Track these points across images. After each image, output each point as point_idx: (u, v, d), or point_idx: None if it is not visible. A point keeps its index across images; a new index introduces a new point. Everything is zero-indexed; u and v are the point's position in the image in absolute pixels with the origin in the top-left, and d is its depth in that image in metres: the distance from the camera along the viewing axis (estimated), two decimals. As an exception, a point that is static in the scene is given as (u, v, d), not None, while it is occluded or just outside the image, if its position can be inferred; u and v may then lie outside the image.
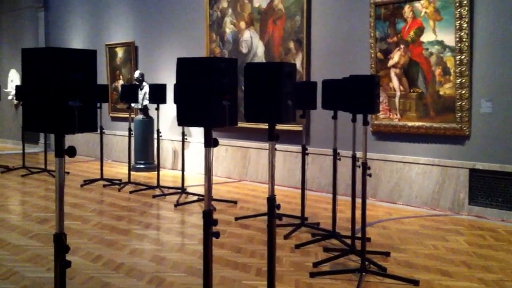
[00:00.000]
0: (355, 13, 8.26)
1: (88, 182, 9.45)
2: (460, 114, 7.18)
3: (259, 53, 9.55)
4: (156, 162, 9.69)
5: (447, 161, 7.38)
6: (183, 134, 8.36)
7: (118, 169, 11.12)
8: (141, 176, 10.19)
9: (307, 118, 8.63)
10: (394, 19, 7.75)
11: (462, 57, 7.09)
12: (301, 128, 7.44)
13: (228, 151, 10.08)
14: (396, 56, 7.76)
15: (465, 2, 7.02)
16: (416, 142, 7.70)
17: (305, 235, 6.12)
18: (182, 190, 8.32)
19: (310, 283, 4.61)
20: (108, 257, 5.28)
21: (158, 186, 8.79)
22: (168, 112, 10.69)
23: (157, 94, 8.67)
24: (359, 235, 5.11)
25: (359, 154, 5.11)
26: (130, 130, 9.40)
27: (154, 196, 8.33)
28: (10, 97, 15.25)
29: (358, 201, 4.98)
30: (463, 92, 7.12)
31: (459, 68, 7.12)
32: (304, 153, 6.41)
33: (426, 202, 7.57)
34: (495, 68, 6.95)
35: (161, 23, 11.39)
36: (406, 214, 7.27)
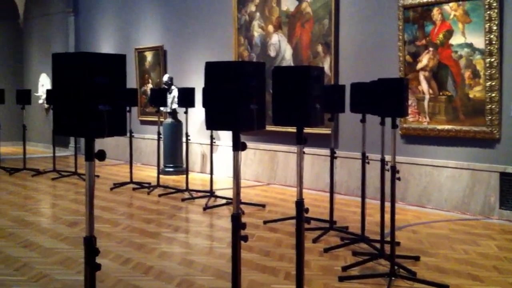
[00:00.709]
0: (384, 16, 8.20)
1: (118, 185, 9.55)
2: (490, 117, 7.06)
3: (287, 57, 9.54)
4: (184, 166, 9.75)
5: (477, 164, 7.27)
6: (212, 137, 8.39)
7: (147, 173, 11.21)
8: (170, 180, 10.26)
9: (336, 121, 8.59)
10: (422, 21, 7.67)
11: (492, 59, 6.98)
12: (329, 132, 7.41)
13: (256, 154, 10.09)
14: (425, 59, 7.68)
15: (494, 4, 6.91)
16: (445, 146, 7.60)
17: (333, 239, 6.08)
18: (211, 193, 8.35)
19: (339, 287, 4.58)
20: (137, 260, 5.32)
21: (187, 189, 8.83)
22: (196, 115, 10.75)
23: (186, 97, 8.73)
24: (388, 239, 5.06)
25: (388, 157, 5.07)
26: (159, 133, 9.48)
27: (183, 200, 8.37)
28: (41, 101, 15.50)
29: (387, 205, 4.93)
30: (493, 95, 7.01)
31: (489, 71, 7.01)
32: (332, 157, 6.38)
33: (456, 206, 7.47)
34: (527, 70, 6.83)
35: (189, 27, 11.47)
36: (435, 218, 7.18)
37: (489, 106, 7.05)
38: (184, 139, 9.48)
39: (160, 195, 8.74)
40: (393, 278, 4.62)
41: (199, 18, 11.24)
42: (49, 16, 15.97)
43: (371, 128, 6.28)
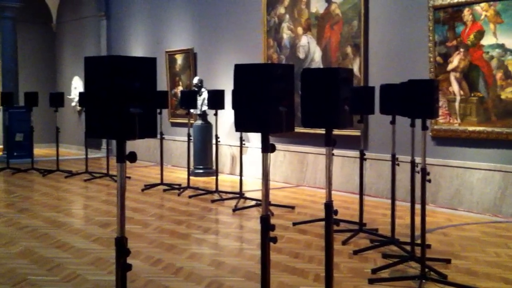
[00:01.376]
0: (414, 17, 8.13)
1: (149, 186, 9.65)
2: (523, 118, 6.95)
3: (316, 59, 9.53)
4: (214, 167, 9.80)
5: (509, 166, 7.16)
6: (241, 139, 8.43)
7: (178, 174, 11.31)
8: (200, 181, 10.33)
9: (365, 123, 8.54)
10: (453, 22, 7.59)
11: (525, 60, 6.87)
12: (359, 133, 7.38)
13: (285, 156, 10.09)
14: (455, 60, 7.59)
15: (528, 3, 6.81)
16: (477, 147, 7.50)
17: (363, 241, 6.05)
18: (240, 195, 8.38)
19: (368, 290, 4.57)
20: (167, 261, 5.38)
21: (217, 191, 8.88)
22: (226, 117, 10.80)
23: (216, 99, 8.78)
24: (418, 241, 5.01)
25: (418, 159, 5.03)
26: (189, 135, 9.55)
27: (213, 201, 8.43)
28: (73, 104, 15.76)
29: (418, 207, 4.89)
30: (527, 95, 6.90)
31: (523, 71, 6.90)
32: (362, 159, 6.35)
33: (487, 209, 7.36)
34: (562, 70, 6.69)
35: (219, 30, 11.54)
36: (467, 221, 7.09)
37: (522, 107, 6.94)
38: (213, 141, 9.54)
39: (190, 197, 8.80)
40: (423, 281, 4.58)
41: (229, 20, 11.30)
42: (82, 20, 16.24)
43: (401, 129, 6.23)
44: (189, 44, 12.29)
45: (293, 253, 5.65)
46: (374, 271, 4.96)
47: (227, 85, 10.25)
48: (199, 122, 11.21)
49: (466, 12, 7.43)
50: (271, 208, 7.54)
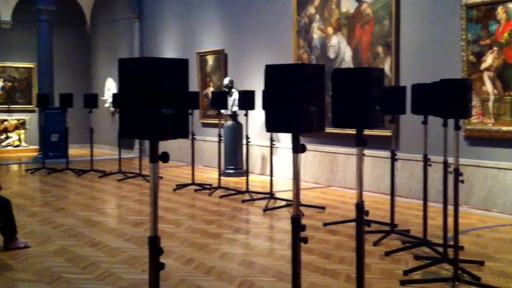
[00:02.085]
0: (446, 16, 8.04)
1: (180, 186, 9.74)
2: (560, 117, 6.82)
3: (347, 58, 9.49)
4: (245, 168, 9.84)
5: (547, 167, 7.02)
6: (271, 139, 8.44)
7: (209, 174, 11.38)
8: (230, 181, 10.37)
9: (396, 123, 8.47)
10: (486, 21, 7.48)
11: (562, 57, 6.73)
12: (390, 134, 7.33)
13: (316, 156, 10.08)
14: (489, 59, 7.48)
15: None
16: (511, 148, 7.37)
17: (394, 242, 6.01)
18: (271, 195, 8.39)
19: (400, 291, 4.54)
20: (199, 260, 5.42)
21: (247, 191, 8.91)
22: (256, 118, 10.83)
23: (246, 100, 8.82)
24: (451, 243, 4.96)
25: (450, 159, 4.97)
26: (220, 136, 9.61)
27: (243, 201, 8.46)
28: (107, 105, 15.97)
29: (450, 208, 4.84)
30: None
31: (559, 70, 6.77)
32: (393, 159, 6.31)
33: (524, 210, 7.23)
34: None
35: (249, 31, 11.58)
36: (501, 222, 6.98)
37: (559, 106, 6.81)
38: (244, 141, 9.58)
39: (221, 197, 8.86)
40: (456, 283, 4.54)
41: (259, 21, 11.33)
42: (115, 22, 16.46)
43: (433, 130, 6.17)
44: (220, 45, 12.37)
45: (324, 253, 5.64)
46: (406, 272, 4.93)
47: (257, 86, 10.28)
48: (229, 122, 11.26)
49: (500, 10, 7.32)
50: (302, 208, 7.54)
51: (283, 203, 8.10)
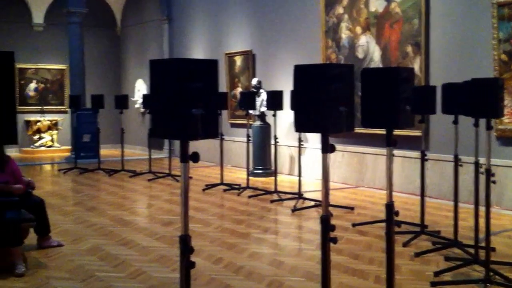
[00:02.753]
0: (476, 14, 7.94)
1: (209, 186, 9.80)
2: None
3: (376, 58, 9.44)
4: (273, 168, 9.86)
5: None
6: (300, 140, 8.44)
7: (237, 174, 11.42)
8: (258, 181, 10.40)
9: (426, 123, 8.39)
10: (519, 18, 7.36)
11: None
12: (420, 134, 7.27)
13: (344, 156, 10.04)
14: (522, 57, 7.36)
15: None
16: (545, 148, 7.25)
17: (425, 243, 5.96)
18: (299, 195, 8.39)
19: (430, 292, 4.50)
20: (228, 260, 5.46)
21: (276, 191, 8.93)
22: (284, 118, 10.83)
23: (274, 100, 8.84)
24: (483, 244, 4.90)
25: (482, 160, 4.92)
26: (248, 136, 9.64)
27: (272, 201, 8.48)
28: (137, 106, 16.14)
29: (482, 209, 4.79)
30: None
31: None
32: (423, 159, 6.26)
33: (558, 211, 7.10)
34: None
35: (277, 31, 11.59)
36: (535, 224, 6.87)
37: None
38: (272, 142, 9.59)
39: (249, 197, 8.89)
40: (488, 284, 4.48)
41: (287, 22, 11.33)
42: (145, 24, 16.64)
43: (464, 129, 6.10)
44: (248, 45, 12.41)
45: (353, 254, 5.62)
46: (436, 274, 4.88)
47: (285, 86, 10.27)
48: (258, 123, 11.29)
49: (533, 8, 7.20)
50: (330, 208, 7.51)
51: (312, 203, 8.09)
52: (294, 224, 7.17)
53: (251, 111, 10.11)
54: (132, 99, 15.95)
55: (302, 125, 3.27)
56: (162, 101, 2.94)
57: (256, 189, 9.45)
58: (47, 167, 13.93)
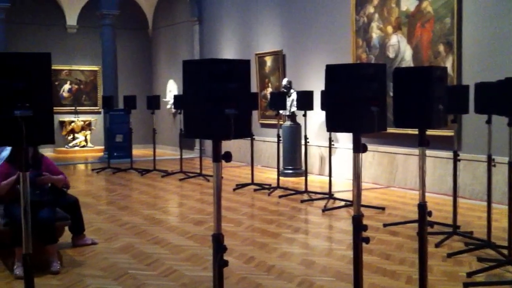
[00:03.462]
0: (510, 12, 7.81)
1: (240, 186, 9.85)
2: None
3: (407, 58, 9.36)
4: (303, 168, 9.86)
5: None
6: (330, 140, 8.42)
7: (268, 174, 11.45)
8: (289, 181, 10.41)
9: (459, 123, 8.30)
10: (556, 15, 7.23)
11: None
12: (452, 133, 7.19)
13: (374, 157, 9.98)
14: (558, 55, 7.22)
15: None
16: None
17: (457, 244, 5.91)
18: (330, 195, 8.38)
19: (463, 293, 4.47)
20: (259, 259, 5.49)
21: (306, 191, 8.93)
22: (315, 118, 10.82)
23: (305, 100, 8.85)
24: (517, 245, 4.85)
25: (516, 160, 4.85)
26: (278, 136, 9.66)
27: (302, 201, 8.48)
28: (168, 106, 16.29)
29: (516, 209, 4.73)
30: None
31: None
32: (455, 159, 6.20)
33: None
34: None
35: (307, 31, 11.59)
36: None
37: None
38: (303, 142, 9.59)
39: (280, 197, 8.90)
40: (522, 285, 4.43)
41: (317, 22, 11.32)
42: (176, 25, 16.79)
43: (497, 129, 6.02)
44: (278, 46, 12.42)
45: (384, 254, 5.60)
46: (469, 274, 4.84)
47: (316, 86, 10.26)
48: (288, 123, 11.30)
49: None
50: (361, 208, 7.47)
51: (342, 203, 8.07)
52: (324, 224, 7.17)
53: (281, 111, 10.13)
54: (164, 99, 16.09)
55: (334, 125, 3.28)
56: (195, 101, 2.97)
57: (286, 189, 9.46)
58: (81, 167, 14.16)
